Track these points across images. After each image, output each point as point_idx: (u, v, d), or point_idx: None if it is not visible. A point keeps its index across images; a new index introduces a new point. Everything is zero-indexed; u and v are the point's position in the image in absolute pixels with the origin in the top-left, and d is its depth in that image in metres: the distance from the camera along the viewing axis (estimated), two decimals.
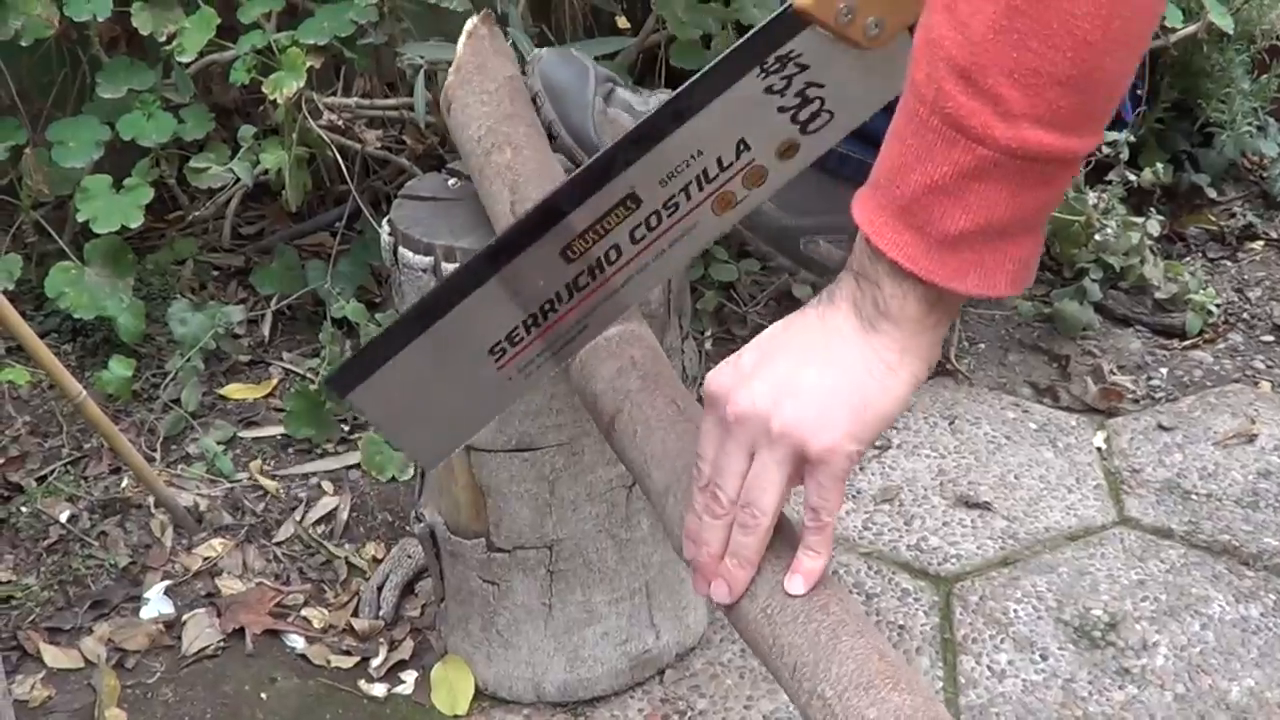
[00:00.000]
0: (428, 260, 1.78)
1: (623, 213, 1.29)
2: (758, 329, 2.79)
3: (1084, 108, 0.95)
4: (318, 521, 2.42)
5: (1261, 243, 3.26)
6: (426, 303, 1.29)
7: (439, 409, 1.35)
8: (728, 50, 1.27)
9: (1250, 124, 3.18)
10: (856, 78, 1.29)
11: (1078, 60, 0.93)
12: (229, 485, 2.48)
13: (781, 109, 1.29)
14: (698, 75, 1.27)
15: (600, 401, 1.39)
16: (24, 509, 2.39)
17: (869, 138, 1.83)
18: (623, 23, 2.96)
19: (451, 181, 1.95)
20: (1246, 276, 3.14)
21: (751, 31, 1.25)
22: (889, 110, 1.44)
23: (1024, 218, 0.99)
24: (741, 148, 1.30)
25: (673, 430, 1.30)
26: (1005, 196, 0.97)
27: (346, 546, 2.37)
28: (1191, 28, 2.97)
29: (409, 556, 2.28)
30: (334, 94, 2.71)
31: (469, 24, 1.88)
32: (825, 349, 1.07)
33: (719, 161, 1.30)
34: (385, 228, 1.86)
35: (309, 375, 2.69)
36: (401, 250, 1.82)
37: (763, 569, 1.14)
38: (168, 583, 2.28)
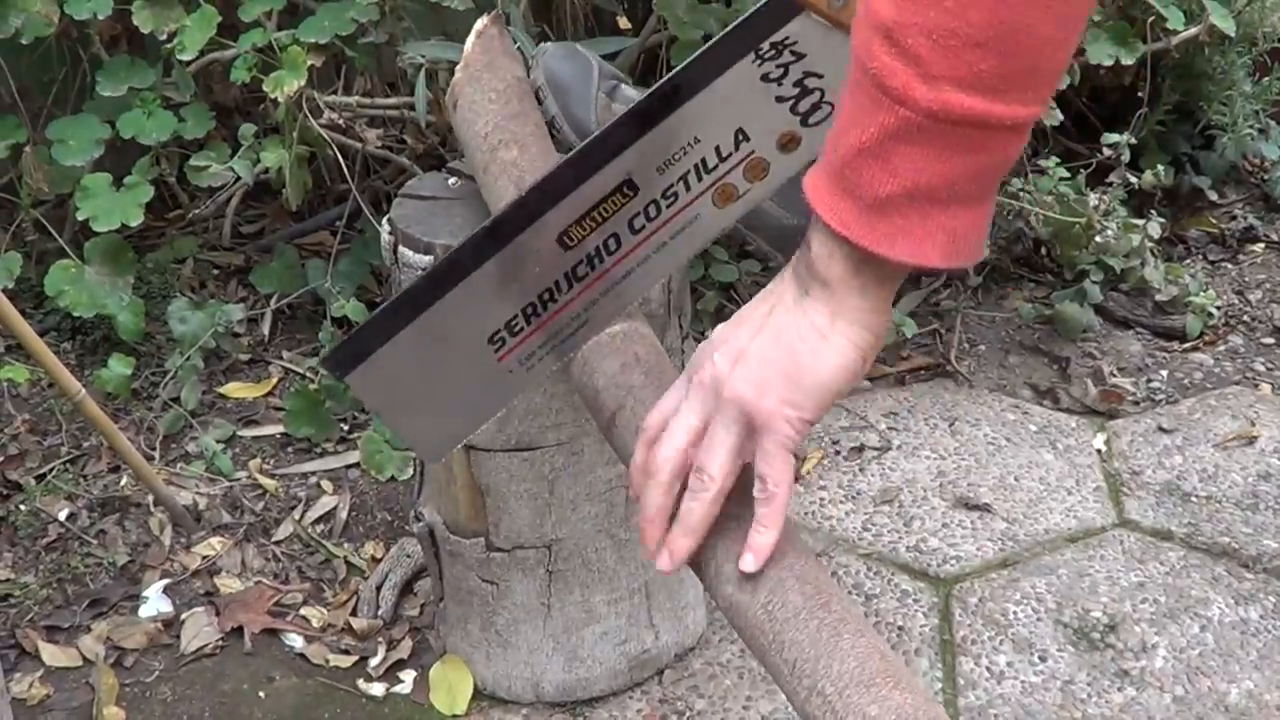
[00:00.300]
0: (428, 259, 1.78)
1: (620, 200, 1.28)
2: None
3: (1006, 71, 0.94)
4: (317, 520, 2.42)
5: (1262, 245, 3.26)
6: (421, 285, 1.27)
7: (440, 399, 1.34)
8: (721, 34, 1.25)
9: (1251, 126, 3.18)
10: None
11: (995, 21, 0.91)
12: (228, 484, 2.48)
13: (780, 98, 1.28)
14: (691, 58, 1.25)
15: (602, 397, 1.38)
16: (23, 507, 2.39)
17: None
18: (624, 23, 2.96)
19: (452, 181, 1.95)
20: (1247, 279, 3.14)
21: (744, 15, 1.23)
22: None
23: (953, 184, 0.98)
24: (740, 138, 1.29)
25: None
26: (930, 160, 0.97)
27: (345, 546, 2.37)
28: (1193, 30, 2.97)
29: (408, 556, 2.28)
30: (335, 93, 2.71)
31: (479, 23, 1.88)
32: (769, 317, 1.09)
33: (717, 151, 1.29)
34: (385, 227, 1.86)
35: (308, 374, 2.69)
36: (402, 249, 1.81)
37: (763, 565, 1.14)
38: (166, 581, 2.28)
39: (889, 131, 0.96)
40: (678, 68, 1.26)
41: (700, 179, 1.30)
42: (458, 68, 1.85)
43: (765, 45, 1.24)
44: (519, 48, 2.31)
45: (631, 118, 1.26)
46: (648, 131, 1.26)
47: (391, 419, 1.40)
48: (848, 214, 1.00)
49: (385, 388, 1.31)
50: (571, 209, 1.27)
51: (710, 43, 1.25)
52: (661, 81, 1.26)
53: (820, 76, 1.27)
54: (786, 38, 1.24)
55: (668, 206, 1.30)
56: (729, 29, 1.24)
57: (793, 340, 1.07)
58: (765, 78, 1.26)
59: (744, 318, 1.13)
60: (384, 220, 1.88)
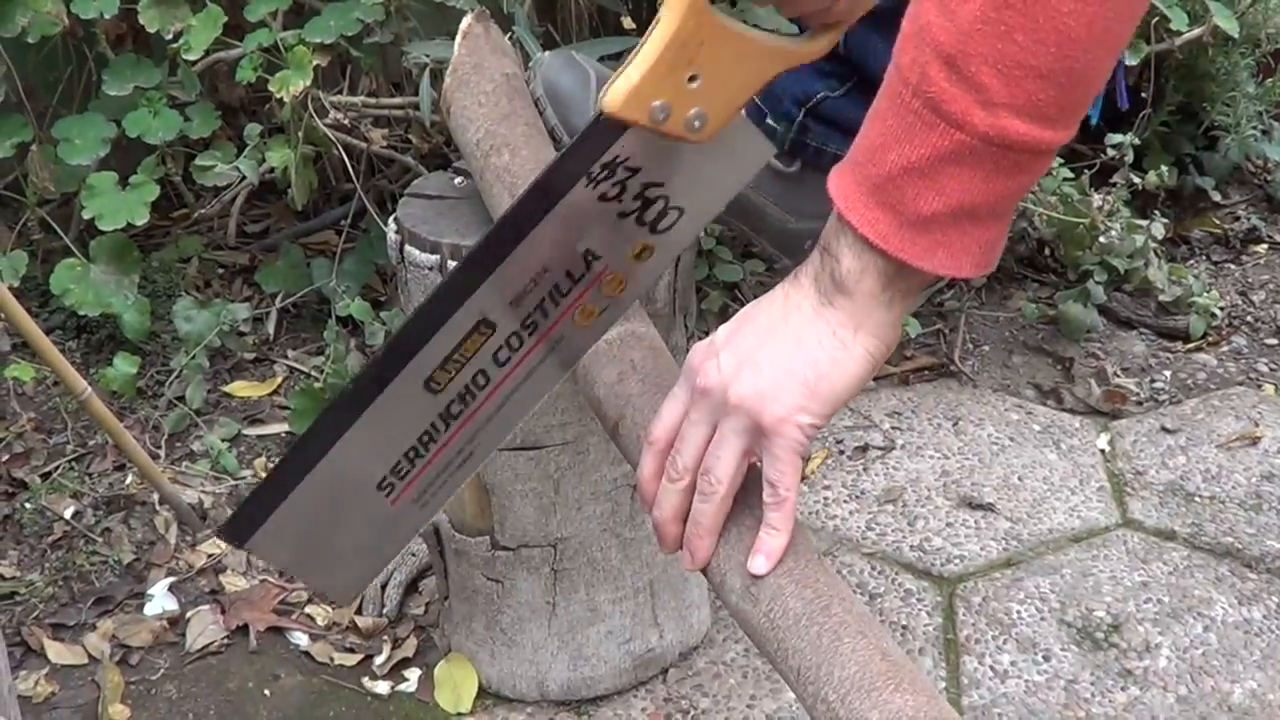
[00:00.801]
0: (434, 258, 1.78)
1: (479, 339, 1.25)
2: None
3: (1062, 101, 0.97)
4: None
5: (1265, 246, 3.26)
6: (299, 447, 1.24)
7: (341, 549, 1.31)
8: (548, 164, 1.23)
9: (1255, 127, 3.18)
10: (696, 171, 1.26)
11: (1061, 55, 0.94)
12: (233, 482, 2.48)
13: (623, 214, 1.25)
14: (523, 193, 1.23)
15: (603, 407, 1.39)
16: (28, 505, 2.39)
17: None
18: (628, 23, 2.96)
19: (458, 180, 1.95)
20: (1250, 280, 3.14)
21: (569, 143, 1.22)
22: None
23: (994, 203, 1.01)
24: (590, 258, 1.26)
25: None
26: (978, 182, 0.99)
27: None
28: (1196, 31, 2.97)
29: (413, 555, 2.28)
30: (340, 92, 2.71)
31: (464, 23, 1.86)
32: (784, 323, 1.10)
33: (569, 275, 1.26)
34: (392, 226, 1.87)
35: (313, 373, 2.70)
36: (408, 248, 1.82)
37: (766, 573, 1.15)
38: (172, 579, 2.29)
39: (941, 154, 0.98)
40: (512, 203, 1.25)
41: (557, 304, 1.27)
42: (447, 73, 1.85)
43: (595, 168, 1.20)
44: (518, 43, 2.32)
45: (473, 261, 1.23)
46: (493, 271, 1.23)
47: (297, 574, 1.38)
48: (887, 227, 1.02)
49: (286, 548, 1.29)
50: (431, 357, 1.24)
51: (538, 175, 1.23)
52: (498, 219, 1.26)
53: (661, 185, 1.24)
54: (616, 156, 1.20)
55: (529, 336, 1.28)
56: (554, 160, 1.22)
57: (813, 349, 1.08)
58: (603, 198, 1.23)
59: (748, 321, 1.14)
60: (390, 220, 1.88)
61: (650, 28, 1.16)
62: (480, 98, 1.78)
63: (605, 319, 1.33)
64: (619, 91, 1.15)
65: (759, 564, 1.13)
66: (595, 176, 1.21)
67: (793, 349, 1.09)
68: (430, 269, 1.77)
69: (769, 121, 1.90)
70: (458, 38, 1.86)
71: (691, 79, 1.16)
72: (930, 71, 0.96)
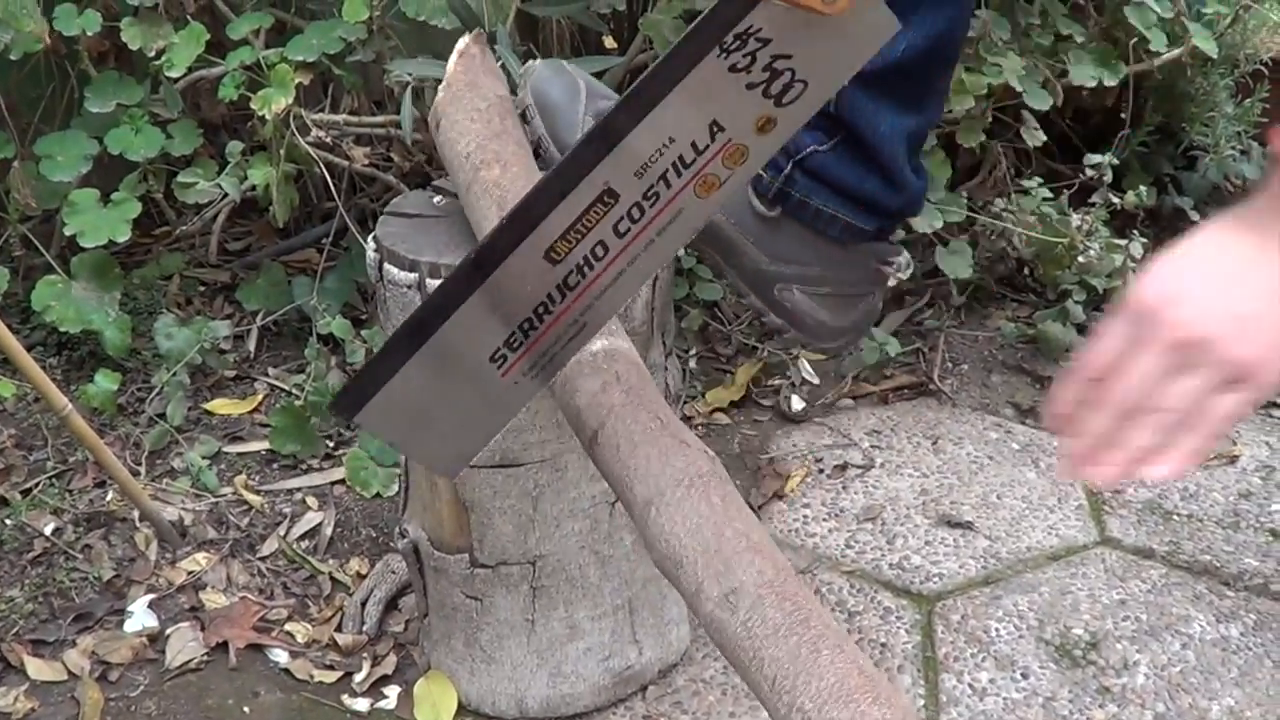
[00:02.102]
0: (413, 276, 1.79)
1: (601, 210, 1.28)
2: (742, 348, 2.81)
3: None
4: (302, 537, 2.42)
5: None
6: (417, 319, 1.28)
7: (450, 422, 1.35)
8: (682, 35, 1.25)
9: (1234, 148, 3.19)
10: (824, 44, 1.26)
11: None
12: (213, 500, 2.48)
13: (750, 85, 1.27)
14: (655, 64, 1.25)
15: (583, 416, 1.39)
16: (8, 521, 2.39)
17: (856, 199, 1.84)
18: (609, 42, 2.97)
19: (437, 199, 1.96)
20: None
21: (704, 13, 1.23)
22: (867, 162, 1.43)
23: None
24: (715, 129, 1.28)
25: (655, 445, 1.30)
26: None
27: (330, 562, 2.37)
28: (1175, 52, 2.99)
29: (393, 572, 2.28)
30: (322, 110, 2.72)
31: (461, 42, 1.89)
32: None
33: (694, 145, 1.28)
34: (370, 244, 1.87)
35: (294, 391, 2.70)
36: (387, 267, 1.82)
37: (743, 581, 1.15)
38: (151, 596, 2.29)
39: None
40: (644, 75, 1.26)
41: (680, 175, 1.30)
42: (440, 87, 1.86)
43: (729, 38, 1.23)
44: (503, 65, 2.33)
45: (601, 131, 1.26)
46: (620, 141, 1.26)
47: (405, 446, 1.41)
48: None
49: (395, 421, 1.32)
50: (554, 226, 1.28)
51: (673, 44, 1.25)
52: (627, 91, 1.27)
53: (789, 57, 1.26)
54: (750, 26, 1.23)
55: (650, 207, 1.30)
56: (689, 29, 1.23)
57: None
58: (733, 68, 1.25)
59: (1228, 272, 1.14)
60: (369, 238, 1.89)
61: None
62: (473, 113, 1.79)
63: (724, 190, 1.34)
64: None
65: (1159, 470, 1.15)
66: (727, 46, 1.23)
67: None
68: (409, 287, 1.78)
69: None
70: (453, 55, 1.87)
71: None
72: None
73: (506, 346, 1.32)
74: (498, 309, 1.30)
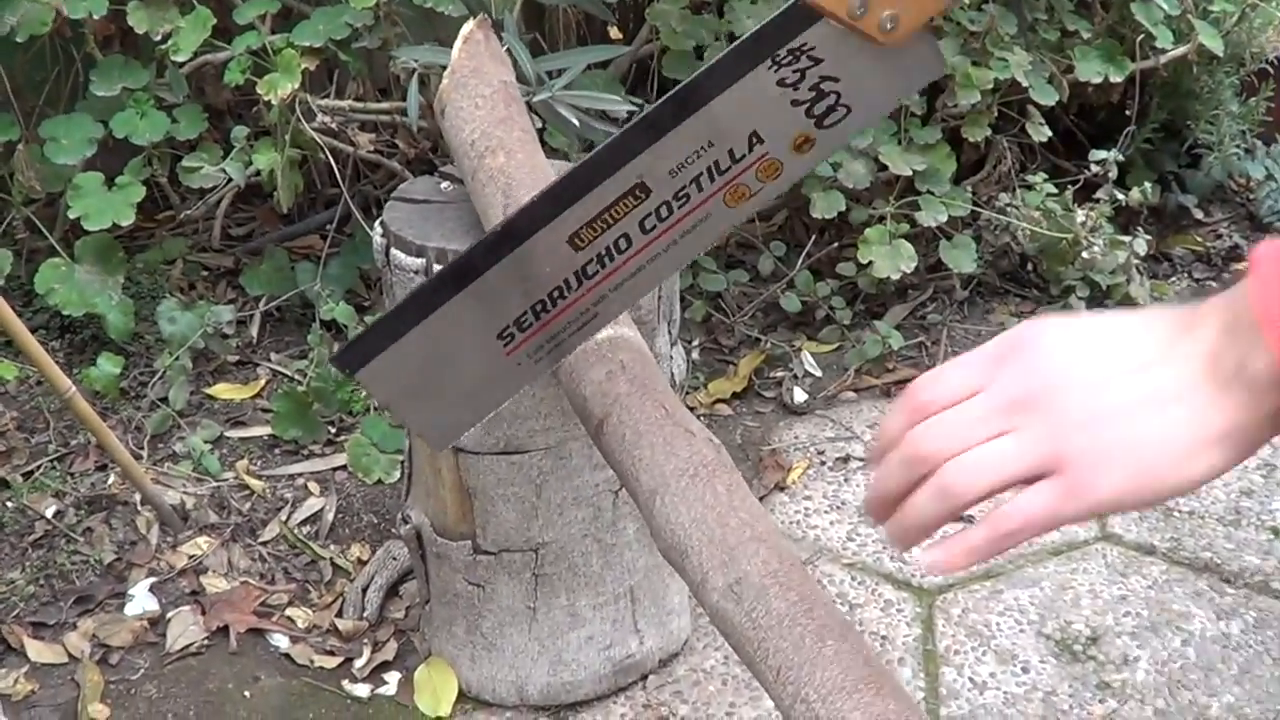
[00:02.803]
0: (419, 262, 1.79)
1: (632, 202, 1.28)
2: (745, 339, 2.81)
3: None
4: (303, 522, 2.42)
5: (1247, 264, 3.27)
6: (433, 284, 1.28)
7: (447, 391, 1.34)
8: (738, 41, 1.26)
9: (1238, 146, 3.20)
10: (872, 73, 1.27)
11: None
12: (215, 484, 2.48)
13: (795, 102, 1.28)
14: (707, 66, 1.26)
15: (589, 405, 1.39)
16: (9, 504, 2.39)
17: None
18: (615, 33, 2.97)
19: (444, 185, 1.96)
20: None
21: (762, 24, 1.24)
22: None
23: None
24: (754, 140, 1.29)
25: (660, 434, 1.31)
26: None
27: (331, 547, 2.38)
28: (1181, 49, 2.99)
29: (394, 558, 2.28)
30: (327, 96, 2.72)
31: (465, 28, 1.89)
32: (1153, 381, 0.87)
33: (730, 154, 1.29)
34: (378, 229, 1.87)
35: (297, 376, 2.70)
36: (394, 252, 1.82)
37: (748, 571, 1.15)
38: (152, 580, 2.29)
39: None
40: (695, 73, 1.26)
41: (713, 180, 1.30)
42: (445, 74, 1.86)
43: (783, 52, 1.24)
44: (508, 50, 2.32)
45: (646, 123, 1.26)
46: (662, 136, 1.26)
47: (399, 410, 1.41)
48: None
49: (394, 382, 1.32)
50: (583, 211, 1.27)
51: (727, 50, 1.26)
52: (678, 87, 1.26)
53: (837, 80, 1.27)
54: (804, 44, 1.24)
55: (679, 207, 1.30)
56: (747, 36, 1.24)
57: (1176, 429, 0.86)
58: (781, 83, 1.26)
59: (1113, 343, 0.90)
60: (376, 223, 1.89)
61: None
62: (478, 100, 1.79)
63: (753, 203, 1.34)
64: None
65: (936, 560, 0.91)
66: (780, 60, 1.24)
67: (1153, 419, 0.87)
68: (416, 272, 1.78)
69: None
70: (458, 42, 1.87)
71: None
72: None
73: (516, 325, 1.32)
74: (514, 286, 1.29)
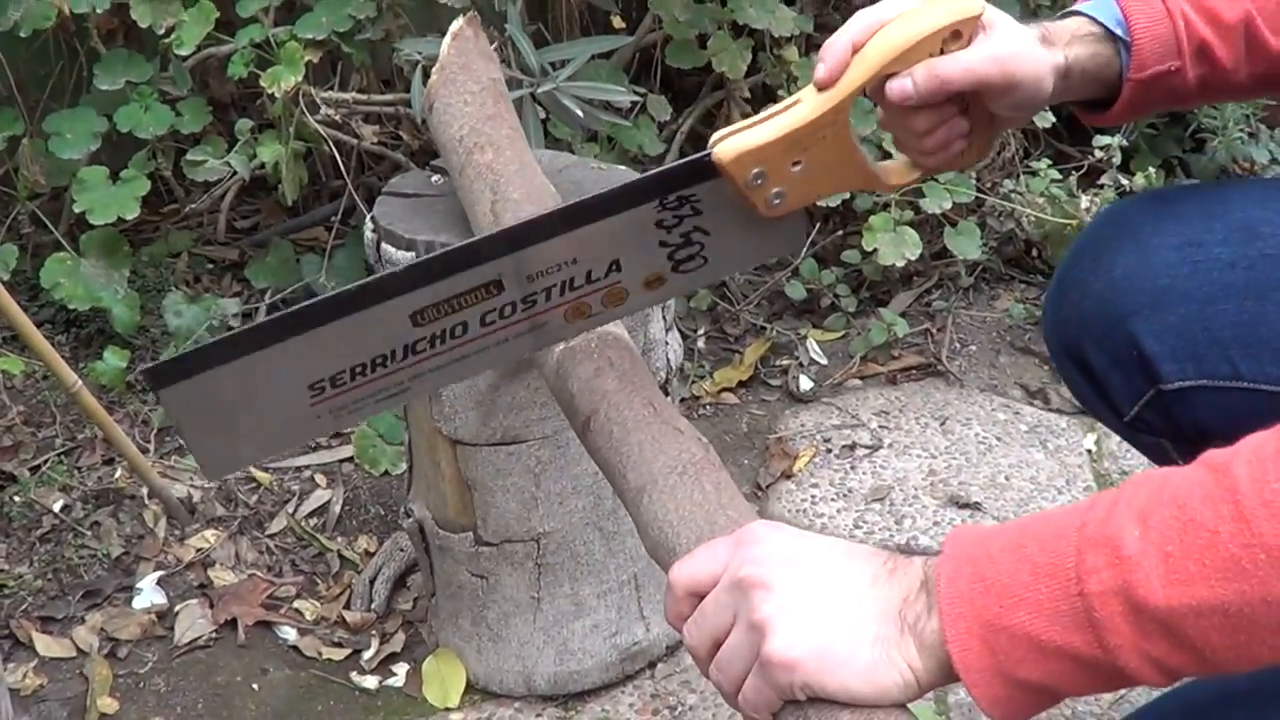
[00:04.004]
0: (409, 255, 1.79)
1: (483, 295, 1.29)
2: (750, 328, 2.81)
3: (1198, 674, 0.94)
4: (310, 514, 2.43)
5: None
6: (268, 325, 1.26)
7: (241, 427, 1.32)
8: (637, 177, 1.31)
9: (1242, 130, 3.19)
10: (741, 237, 1.33)
11: (1235, 666, 0.91)
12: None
13: (663, 243, 1.33)
14: (603, 191, 1.29)
15: (577, 401, 1.39)
16: (17, 498, 2.40)
17: None
18: (618, 22, 2.97)
19: (435, 178, 1.96)
20: None
21: (667, 165, 1.29)
22: None
23: (1075, 694, 0.98)
24: (613, 268, 1.33)
25: (649, 431, 1.31)
26: (1083, 683, 0.95)
27: (339, 539, 2.38)
28: None
29: (401, 550, 2.28)
30: (331, 89, 2.71)
31: (455, 25, 1.89)
32: (856, 607, 1.00)
33: (588, 274, 1.32)
34: (368, 225, 1.88)
35: None
36: (384, 246, 1.83)
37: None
38: (160, 573, 2.29)
39: (1073, 652, 0.93)
40: (588, 196, 1.29)
41: (563, 294, 1.33)
42: (433, 70, 1.87)
43: (673, 197, 1.29)
44: (511, 40, 2.33)
45: (527, 227, 1.28)
46: (538, 242, 1.28)
47: (186, 434, 1.39)
48: (972, 657, 0.95)
49: (192, 408, 1.29)
50: (435, 293, 1.28)
51: (626, 182, 1.30)
52: (567, 204, 1.30)
53: (707, 234, 1.33)
54: (694, 195, 1.29)
55: (523, 310, 1.33)
56: (649, 173, 1.29)
57: (860, 653, 0.98)
58: (659, 224, 1.31)
59: (821, 567, 1.03)
60: (367, 218, 1.89)
61: (789, 101, 1.27)
62: (466, 96, 1.80)
63: (588, 324, 1.38)
64: (736, 147, 1.25)
65: None
66: (667, 203, 1.29)
67: (844, 637, 0.99)
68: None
69: None
70: (447, 38, 1.87)
71: (796, 163, 1.27)
72: (1114, 606, 0.91)
73: (331, 381, 1.30)
74: (344, 344, 1.28)
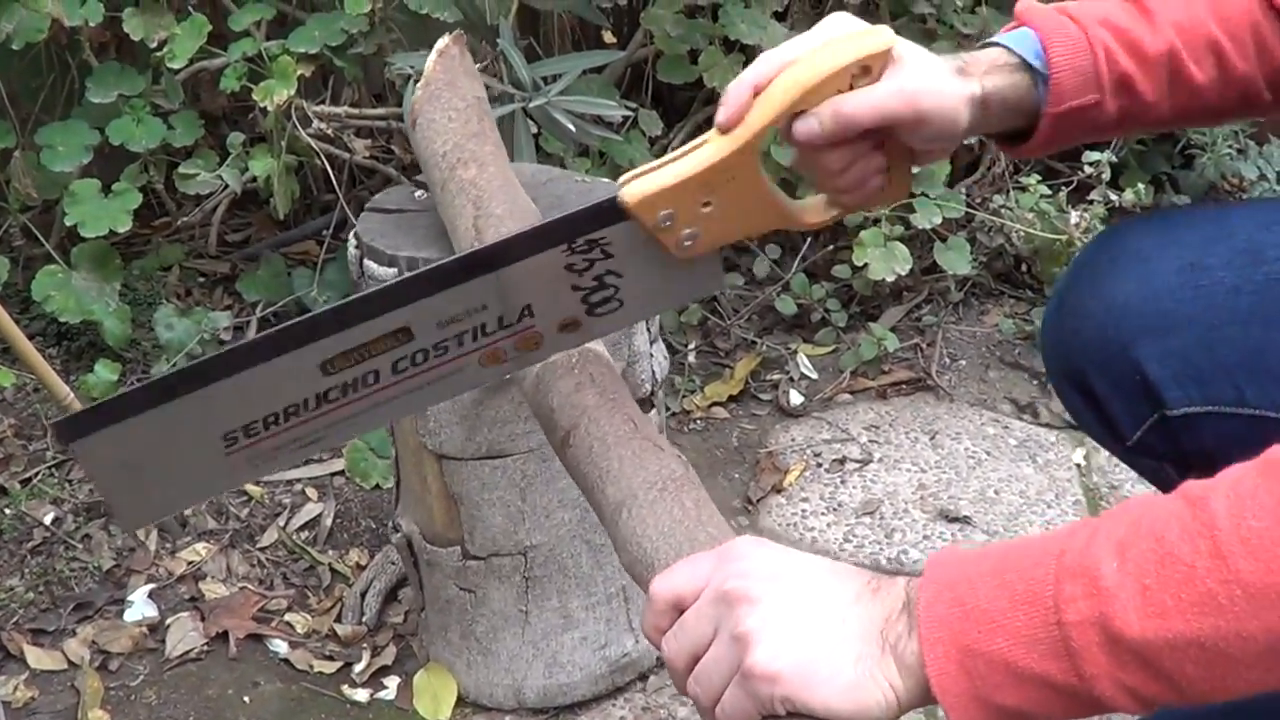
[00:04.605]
0: (392, 271, 1.80)
1: (391, 343, 1.28)
2: (741, 343, 2.81)
3: (1173, 703, 0.95)
4: (302, 527, 2.43)
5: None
6: (175, 377, 1.25)
7: (157, 477, 1.31)
8: (543, 221, 1.31)
9: (1231, 146, 3.20)
10: (655, 279, 1.32)
11: (1211, 695, 0.92)
12: None
13: (576, 287, 1.32)
14: (509, 235, 1.30)
15: (556, 416, 1.39)
16: (8, 511, 2.40)
17: None
18: (610, 37, 2.98)
19: (418, 194, 1.97)
20: None
21: (573, 210, 1.27)
22: None
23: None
24: (525, 313, 1.32)
25: (629, 447, 1.30)
26: (1060, 711, 0.96)
27: (330, 553, 2.38)
28: None
29: (392, 563, 2.29)
30: (323, 103, 2.72)
31: (440, 42, 1.89)
32: (841, 625, 1.01)
33: (500, 319, 1.31)
34: (351, 241, 1.88)
35: None
36: (367, 262, 1.84)
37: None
38: (151, 586, 2.29)
39: (1049, 680, 0.94)
40: (493, 242, 1.30)
41: (475, 340, 1.32)
42: (418, 86, 1.87)
43: (581, 241, 1.28)
44: (503, 55, 2.33)
45: (433, 274, 1.27)
46: (443, 289, 1.27)
47: (102, 487, 1.38)
48: (950, 681, 0.97)
49: (106, 460, 1.28)
50: (342, 341, 1.27)
51: (531, 225, 1.31)
52: (472, 250, 1.30)
53: (620, 276, 1.32)
54: (603, 238, 1.28)
55: (435, 357, 1.31)
56: (553, 218, 1.28)
57: (843, 670, 0.99)
58: (570, 267, 1.30)
59: (806, 586, 1.04)
60: (350, 234, 1.90)
61: (697, 141, 1.25)
62: (451, 113, 1.80)
63: (503, 369, 1.37)
64: (643, 190, 1.24)
65: None
66: (576, 247, 1.28)
67: (827, 655, 1.00)
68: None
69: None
70: (432, 54, 1.88)
71: (706, 204, 1.25)
72: (1091, 636, 0.92)
73: (244, 431, 1.29)
74: (254, 395, 1.28)
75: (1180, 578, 0.90)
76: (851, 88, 1.26)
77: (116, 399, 1.25)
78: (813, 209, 1.37)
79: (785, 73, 1.25)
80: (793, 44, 1.27)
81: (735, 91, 1.25)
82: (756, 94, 1.25)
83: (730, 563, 1.06)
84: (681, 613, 1.07)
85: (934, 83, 1.29)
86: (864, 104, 1.26)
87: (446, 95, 1.83)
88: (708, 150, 1.24)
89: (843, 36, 1.28)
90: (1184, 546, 0.91)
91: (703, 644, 1.04)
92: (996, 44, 1.38)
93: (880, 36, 1.27)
